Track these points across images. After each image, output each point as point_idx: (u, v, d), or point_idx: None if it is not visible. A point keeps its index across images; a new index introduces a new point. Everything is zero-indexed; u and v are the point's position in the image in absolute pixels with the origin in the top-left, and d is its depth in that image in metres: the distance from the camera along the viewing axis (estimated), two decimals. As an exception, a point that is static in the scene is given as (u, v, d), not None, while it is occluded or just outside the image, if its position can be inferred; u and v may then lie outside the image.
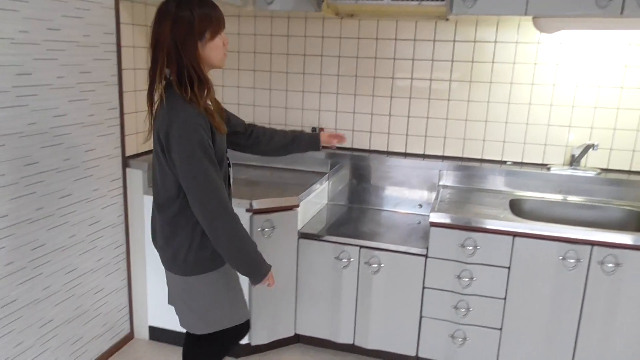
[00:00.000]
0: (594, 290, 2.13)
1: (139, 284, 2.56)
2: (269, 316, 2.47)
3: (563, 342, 2.22)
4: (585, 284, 2.14)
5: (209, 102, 1.63)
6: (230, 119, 1.91)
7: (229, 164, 1.76)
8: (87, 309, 2.30)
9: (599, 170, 2.54)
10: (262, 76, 2.95)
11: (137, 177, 2.45)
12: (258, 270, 1.70)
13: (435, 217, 2.27)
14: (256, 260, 1.69)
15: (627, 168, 2.56)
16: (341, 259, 2.43)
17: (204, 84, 1.58)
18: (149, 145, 2.59)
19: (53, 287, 2.10)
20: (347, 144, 2.92)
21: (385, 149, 2.87)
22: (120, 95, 2.38)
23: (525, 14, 2.12)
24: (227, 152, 1.76)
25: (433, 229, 2.28)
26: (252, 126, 2.04)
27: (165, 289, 1.88)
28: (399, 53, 2.71)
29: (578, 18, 2.11)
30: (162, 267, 1.79)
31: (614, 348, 2.17)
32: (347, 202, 2.91)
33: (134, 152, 2.51)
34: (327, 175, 2.83)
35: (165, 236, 1.70)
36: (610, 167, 2.57)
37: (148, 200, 2.45)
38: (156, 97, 1.62)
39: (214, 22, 1.58)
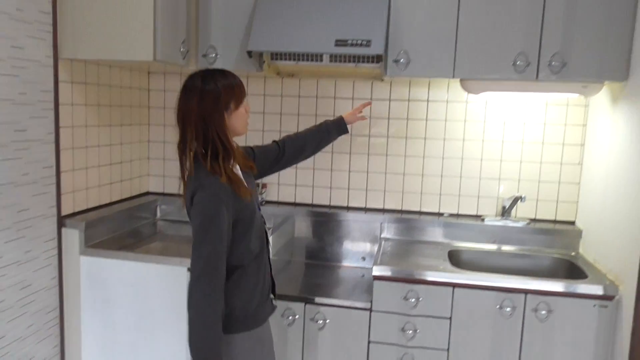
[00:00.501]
0: (530, 336, 2.22)
1: (73, 351, 2.42)
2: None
3: (505, 390, 2.27)
4: (522, 331, 2.22)
5: (237, 166, 1.69)
6: (257, 156, 1.94)
7: (266, 230, 1.79)
8: (14, 381, 2.14)
9: (528, 221, 2.70)
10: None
11: (74, 236, 2.37)
12: (207, 356, 1.56)
13: (377, 271, 2.31)
14: (206, 349, 1.55)
15: (552, 218, 2.73)
16: (286, 317, 2.40)
17: (230, 152, 1.61)
18: (88, 203, 2.55)
19: (-24, 359, 1.95)
20: (290, 199, 2.95)
21: (328, 203, 2.93)
22: (57, 153, 2.32)
23: (453, 77, 2.29)
24: (263, 217, 1.79)
25: (376, 282, 2.31)
26: (283, 144, 2.06)
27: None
28: (338, 111, 2.82)
29: (500, 81, 2.30)
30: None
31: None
32: (291, 257, 2.92)
33: (70, 212, 2.43)
34: (270, 229, 2.83)
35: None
36: (538, 217, 2.74)
37: (85, 261, 2.37)
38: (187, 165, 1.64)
39: (237, 92, 1.63)
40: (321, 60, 2.38)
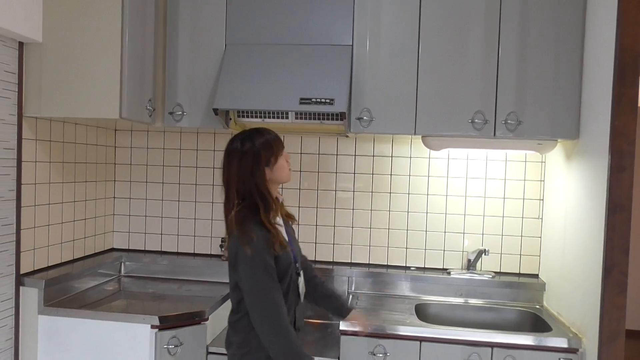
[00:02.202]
0: (498, 392, 2.21)
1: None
2: None
3: None
4: (489, 386, 2.21)
5: (278, 218, 1.81)
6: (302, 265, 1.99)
7: (297, 273, 1.87)
8: None
9: (493, 274, 2.74)
10: (171, 188, 2.97)
11: (32, 295, 2.29)
12: None
13: (344, 325, 2.29)
14: None
15: (516, 271, 2.77)
16: (253, 376, 2.34)
17: (269, 203, 1.74)
18: (49, 261, 2.49)
19: None
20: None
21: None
22: (18, 211, 2.28)
23: (415, 134, 2.37)
24: (296, 263, 1.86)
25: (343, 337, 2.29)
26: (315, 277, 2.11)
27: None
28: (305, 165, 2.87)
29: (459, 138, 2.39)
30: None
31: None
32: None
33: (30, 269, 2.37)
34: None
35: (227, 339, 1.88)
36: (503, 270, 2.78)
37: (44, 321, 2.29)
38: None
39: (274, 146, 1.77)
40: (287, 117, 2.44)
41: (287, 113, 2.42)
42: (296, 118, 2.44)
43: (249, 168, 1.71)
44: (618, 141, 1.91)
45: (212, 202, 2.95)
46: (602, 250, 2.02)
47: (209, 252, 2.98)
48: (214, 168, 2.94)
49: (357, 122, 2.39)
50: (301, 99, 2.27)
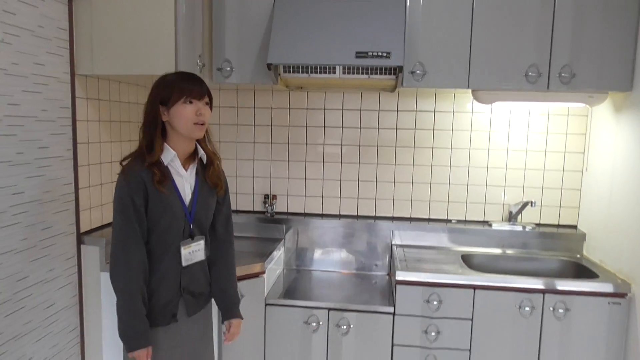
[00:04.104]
0: (548, 334, 2.32)
1: (93, 370, 2.37)
2: (237, 391, 2.38)
3: (525, 388, 2.36)
4: (541, 329, 2.32)
5: (182, 169, 1.75)
6: (216, 217, 1.90)
7: (190, 235, 1.77)
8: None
9: (533, 225, 2.81)
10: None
11: (94, 253, 2.32)
12: (125, 342, 1.67)
13: (401, 276, 2.37)
14: (126, 333, 1.67)
15: (555, 222, 2.85)
16: (310, 323, 2.43)
17: (151, 145, 1.72)
18: (103, 219, 2.51)
19: (5, 383, 1.89)
20: (299, 209, 2.98)
21: (338, 213, 2.97)
22: (76, 170, 2.29)
23: (468, 87, 2.39)
24: (191, 224, 1.75)
25: (399, 286, 2.37)
26: (212, 240, 1.91)
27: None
28: (346, 122, 2.88)
29: (511, 92, 2.41)
30: (120, 350, 1.72)
31: (570, 388, 2.34)
32: (302, 267, 2.94)
33: (88, 228, 2.39)
34: (282, 241, 2.86)
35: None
36: (542, 222, 2.86)
37: (105, 277, 2.33)
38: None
39: (176, 88, 1.69)
40: (334, 72, 2.44)
41: (334, 68, 2.42)
42: (344, 73, 2.44)
43: (147, 102, 1.72)
44: (681, 91, 1.95)
45: (254, 160, 2.97)
46: (657, 198, 2.09)
47: (251, 209, 3.02)
48: (254, 125, 2.95)
49: (410, 76, 2.40)
50: (357, 52, 2.27)
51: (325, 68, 2.42)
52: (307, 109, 2.92)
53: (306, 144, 2.94)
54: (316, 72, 2.44)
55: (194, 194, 1.78)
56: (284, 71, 2.47)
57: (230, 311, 1.92)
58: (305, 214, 2.98)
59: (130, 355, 1.67)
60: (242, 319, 1.95)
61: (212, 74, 2.52)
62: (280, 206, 3.00)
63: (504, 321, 2.33)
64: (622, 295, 2.27)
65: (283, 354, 2.47)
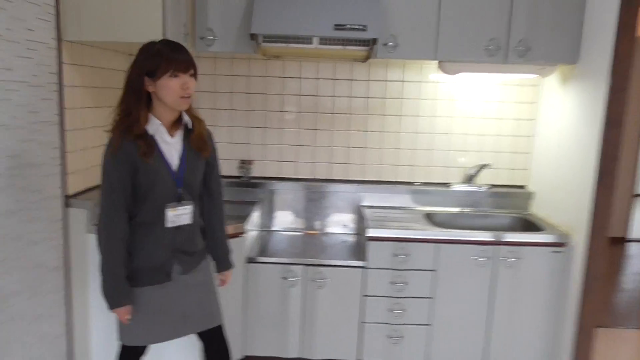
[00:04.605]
0: (501, 281, 2.62)
1: (81, 331, 2.48)
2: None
3: (479, 329, 2.67)
4: (495, 277, 2.62)
5: (168, 136, 1.84)
6: (209, 176, 2.01)
7: (177, 198, 1.86)
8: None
9: (488, 186, 3.10)
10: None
11: (80, 216, 2.42)
12: (107, 300, 1.82)
13: (371, 232, 2.61)
14: (107, 292, 1.81)
15: (508, 183, 3.15)
16: (288, 279, 2.64)
17: (135, 115, 1.77)
18: (90, 182, 2.59)
19: None
20: (274, 174, 3.15)
21: (311, 177, 3.16)
22: (62, 134, 2.36)
23: (435, 59, 2.61)
24: (178, 187, 1.85)
25: (370, 242, 2.61)
26: (206, 196, 2.03)
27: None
28: (321, 90, 3.05)
29: (473, 63, 2.64)
30: (108, 313, 1.87)
31: (520, 328, 2.67)
32: (277, 228, 3.13)
33: (75, 191, 2.48)
34: (258, 204, 3.02)
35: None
36: (496, 183, 3.15)
37: (92, 239, 2.43)
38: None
39: (163, 60, 1.74)
40: (311, 43, 2.58)
41: (311, 38, 2.55)
42: (320, 43, 2.58)
43: (132, 71, 1.77)
44: (619, 65, 2.23)
45: (231, 126, 3.10)
46: (597, 159, 2.40)
47: (228, 174, 3.16)
48: (231, 93, 3.06)
49: (383, 48, 2.58)
50: (335, 24, 2.42)
51: (303, 38, 2.55)
52: (283, 77, 3.05)
53: (282, 111, 3.08)
54: (294, 42, 2.57)
55: (181, 159, 1.85)
56: (264, 41, 2.58)
57: (225, 260, 2.10)
58: (280, 178, 3.14)
59: (113, 312, 1.83)
60: (234, 266, 2.14)
61: (194, 42, 2.61)
62: (256, 171, 3.16)
63: (463, 271, 2.62)
64: (563, 245, 2.60)
65: (263, 307, 2.67)
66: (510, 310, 2.65)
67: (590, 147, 2.45)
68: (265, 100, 3.08)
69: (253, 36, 2.48)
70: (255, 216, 2.95)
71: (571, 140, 2.64)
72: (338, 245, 2.90)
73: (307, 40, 2.55)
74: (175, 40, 2.40)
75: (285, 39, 2.56)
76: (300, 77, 3.04)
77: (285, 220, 3.13)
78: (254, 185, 3.08)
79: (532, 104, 3.05)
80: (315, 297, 2.66)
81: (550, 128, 2.88)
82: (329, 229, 3.13)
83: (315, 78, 3.04)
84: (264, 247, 2.82)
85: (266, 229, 3.13)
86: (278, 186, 3.09)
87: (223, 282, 2.14)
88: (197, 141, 1.89)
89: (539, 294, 2.64)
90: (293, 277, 2.63)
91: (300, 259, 2.65)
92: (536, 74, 2.71)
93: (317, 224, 3.13)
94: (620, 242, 5.66)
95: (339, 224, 3.13)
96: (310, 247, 2.87)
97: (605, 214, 2.40)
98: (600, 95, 2.37)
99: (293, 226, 3.13)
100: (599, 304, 2.57)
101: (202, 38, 2.60)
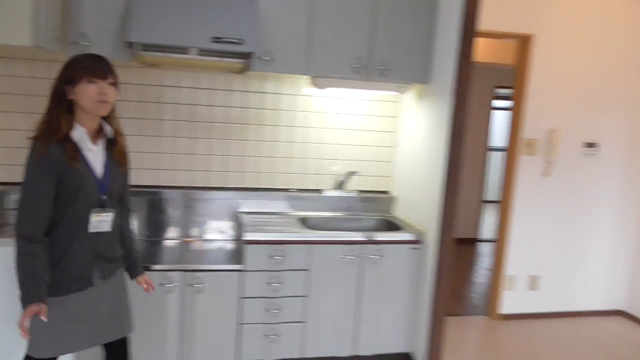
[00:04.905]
0: (367, 276, 2.89)
1: None
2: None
3: (349, 321, 2.91)
4: (362, 273, 2.88)
5: (92, 144, 1.87)
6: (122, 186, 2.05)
7: (100, 204, 1.88)
8: None
9: (357, 192, 3.39)
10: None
11: None
12: (24, 298, 1.74)
13: (249, 236, 2.73)
14: (25, 290, 1.74)
15: (374, 189, 3.47)
16: (165, 285, 2.66)
17: (56, 122, 1.80)
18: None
19: None
20: (152, 182, 3.14)
21: (189, 185, 3.20)
22: None
23: (307, 74, 2.82)
24: (103, 194, 1.88)
25: (248, 246, 2.73)
26: (119, 207, 2.04)
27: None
28: (199, 99, 3.12)
29: (341, 79, 2.90)
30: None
31: (384, 318, 2.95)
32: (154, 236, 3.12)
33: None
34: (134, 212, 2.99)
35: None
36: (364, 189, 3.44)
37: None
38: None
39: (79, 67, 1.80)
40: (188, 53, 2.65)
41: (189, 49, 2.63)
42: (198, 54, 2.66)
43: (55, 81, 1.82)
44: (460, 86, 2.61)
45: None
46: (443, 165, 2.76)
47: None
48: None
49: (260, 62, 2.74)
50: (213, 37, 2.53)
51: (181, 49, 2.61)
52: (160, 85, 3.07)
53: (160, 119, 3.09)
54: (172, 52, 2.62)
55: (105, 167, 1.91)
56: (142, 49, 2.60)
57: (136, 267, 2.19)
58: (157, 187, 3.15)
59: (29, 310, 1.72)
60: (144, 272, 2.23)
61: (66, 47, 2.55)
62: (132, 179, 3.11)
63: (334, 269, 2.85)
64: (418, 242, 2.94)
65: (141, 314, 2.66)
66: (375, 302, 2.93)
67: (438, 156, 2.82)
68: (142, 108, 3.07)
69: (129, 44, 2.50)
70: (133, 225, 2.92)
71: (424, 150, 3.01)
72: (216, 251, 2.98)
73: (184, 50, 2.62)
74: (50, 43, 2.36)
75: (163, 49, 2.60)
76: (178, 86, 3.09)
77: (162, 228, 3.13)
78: (131, 194, 3.04)
79: (394, 118, 3.40)
80: (194, 302, 2.71)
81: (408, 139, 3.25)
82: (207, 236, 3.20)
83: (194, 87, 3.11)
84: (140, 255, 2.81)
85: (142, 237, 3.11)
86: (155, 194, 3.09)
87: (149, 285, 2.21)
88: (119, 154, 1.97)
89: (400, 286, 2.95)
90: (170, 284, 2.66)
91: (178, 265, 2.69)
92: (396, 91, 3.05)
93: (194, 231, 3.17)
94: (472, 242, 6.37)
95: (217, 231, 3.21)
96: (187, 253, 2.92)
97: (451, 214, 2.77)
98: (446, 111, 2.74)
99: (170, 234, 3.14)
100: (449, 294, 2.94)
101: (74, 43, 2.55)
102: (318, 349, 2.91)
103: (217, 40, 2.53)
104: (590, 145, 3.93)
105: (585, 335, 3.77)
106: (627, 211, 4.11)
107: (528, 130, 3.79)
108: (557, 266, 4.02)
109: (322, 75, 2.86)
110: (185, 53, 2.63)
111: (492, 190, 6.77)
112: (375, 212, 3.40)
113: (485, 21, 3.11)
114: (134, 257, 2.17)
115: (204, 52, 2.63)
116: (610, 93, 3.92)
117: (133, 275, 2.18)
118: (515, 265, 3.93)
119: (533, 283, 3.97)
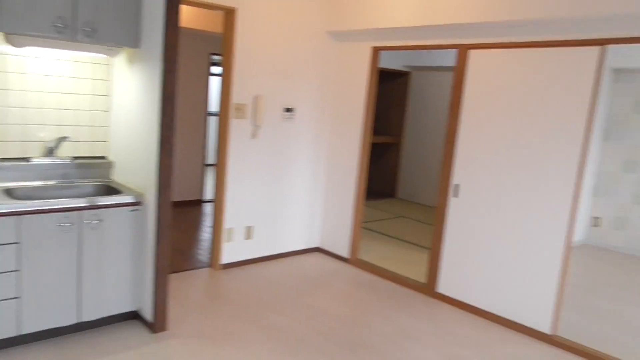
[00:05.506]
0: (87, 242, 2.87)
1: None
2: None
3: (71, 289, 2.86)
4: (81, 240, 2.85)
5: None
6: None
7: None
8: None
9: (71, 158, 3.27)
10: None
11: None
12: None
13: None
14: None
15: (89, 155, 3.39)
16: None
17: None
18: None
19: None
20: None
21: None
22: None
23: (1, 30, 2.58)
24: None
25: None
26: None
27: None
28: None
29: (43, 38, 2.73)
30: None
31: (110, 281, 2.99)
32: None
33: None
34: None
35: None
36: (79, 154, 3.34)
37: None
38: None
39: None
40: None
41: None
42: None
43: None
44: (168, 51, 2.77)
45: None
46: (158, 128, 2.91)
47: None
48: None
49: None
50: None
51: None
52: None
53: None
54: None
55: None
56: None
57: None
58: None
59: None
60: None
61: None
62: None
63: (50, 239, 2.74)
64: (139, 204, 3.05)
65: None
66: (98, 267, 2.94)
67: (152, 120, 2.95)
68: None
69: None
70: None
71: (139, 114, 3.09)
72: None
73: None
74: None
75: None
76: None
77: None
78: None
79: (107, 82, 3.36)
80: None
81: (122, 104, 3.27)
82: None
83: None
84: None
85: None
86: None
87: None
88: None
89: (122, 248, 3.02)
90: None
91: None
92: (105, 54, 3.02)
93: None
94: (198, 203, 6.70)
95: None
96: None
97: (168, 176, 2.95)
98: (157, 75, 2.88)
99: None
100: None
101: None
102: (37, 323, 2.79)
103: None
104: (289, 110, 4.58)
105: (290, 270, 4.48)
106: (318, 163, 4.95)
107: (237, 96, 4.19)
108: (267, 216, 4.62)
109: (18, 32, 2.64)
110: None
111: (214, 153, 7.18)
112: (93, 178, 3.34)
113: (192, -8, 3.31)
114: None
115: None
116: (301, 65, 4.60)
117: None
118: (232, 219, 4.36)
119: (248, 233, 4.49)
